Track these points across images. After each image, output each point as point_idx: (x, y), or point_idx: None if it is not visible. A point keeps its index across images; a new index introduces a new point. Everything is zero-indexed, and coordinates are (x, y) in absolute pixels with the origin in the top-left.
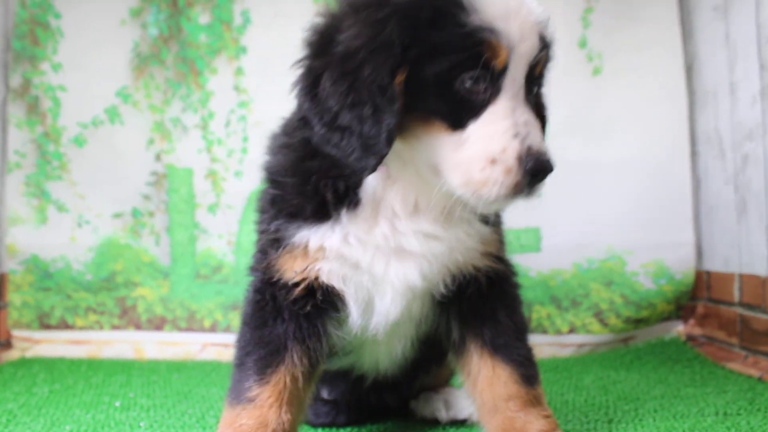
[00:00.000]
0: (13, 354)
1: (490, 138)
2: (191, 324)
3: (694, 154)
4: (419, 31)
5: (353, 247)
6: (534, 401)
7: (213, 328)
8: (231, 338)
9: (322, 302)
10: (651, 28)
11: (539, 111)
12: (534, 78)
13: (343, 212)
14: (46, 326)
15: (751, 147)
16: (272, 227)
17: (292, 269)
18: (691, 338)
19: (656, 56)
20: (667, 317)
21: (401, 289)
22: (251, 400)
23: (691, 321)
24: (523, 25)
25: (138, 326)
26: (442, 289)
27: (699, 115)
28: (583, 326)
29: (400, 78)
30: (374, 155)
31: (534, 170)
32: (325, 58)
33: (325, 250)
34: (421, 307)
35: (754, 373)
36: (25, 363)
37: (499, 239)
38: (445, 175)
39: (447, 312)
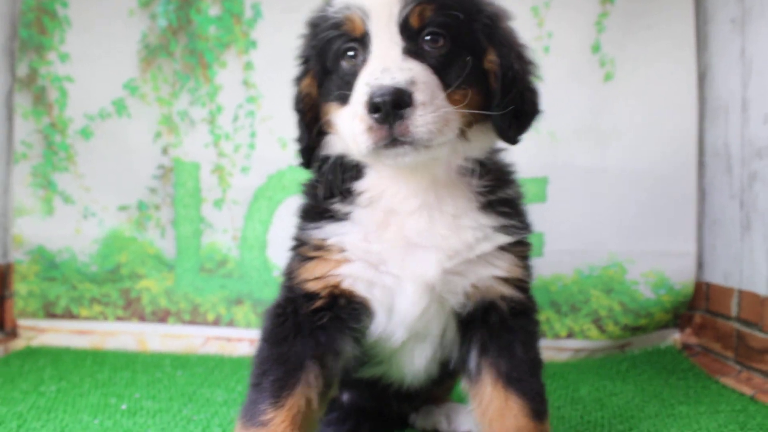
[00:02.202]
0: (19, 343)
1: (355, 97)
2: (195, 317)
3: (700, 166)
4: (314, 40)
5: (371, 244)
6: None
7: (216, 322)
8: (234, 333)
9: (342, 313)
10: (665, 36)
11: (453, 63)
12: (416, 30)
13: (355, 210)
14: (52, 315)
15: (760, 165)
16: (298, 233)
17: (313, 275)
18: (686, 347)
19: (669, 65)
20: (664, 325)
21: (420, 285)
22: (264, 424)
23: (688, 330)
24: None
25: (142, 318)
26: (463, 300)
27: (708, 127)
28: (582, 332)
29: (304, 84)
30: (301, 147)
31: (373, 106)
32: None
33: (345, 250)
34: (442, 325)
35: (747, 390)
36: (31, 354)
37: (523, 267)
38: (351, 146)
39: (469, 340)
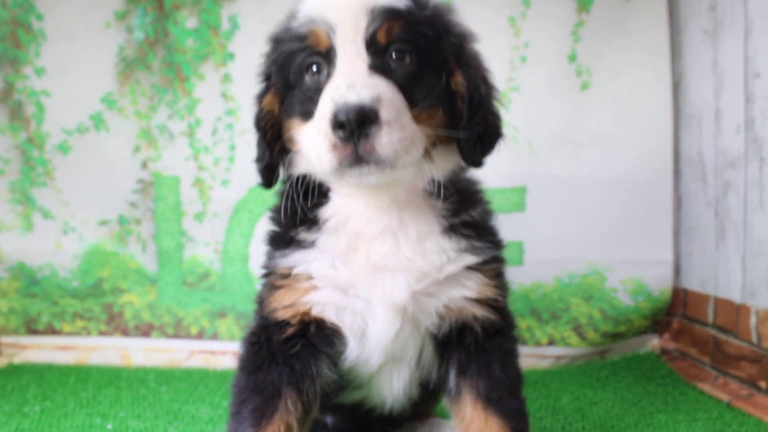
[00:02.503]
0: (2, 360)
1: (319, 113)
2: (178, 331)
3: (676, 174)
4: (275, 54)
5: (338, 270)
6: None
7: (200, 335)
8: (217, 346)
9: (315, 339)
10: (641, 46)
11: (420, 81)
12: (383, 46)
13: (321, 237)
14: (34, 331)
15: (733, 176)
16: (266, 262)
17: (282, 304)
18: (665, 352)
19: (644, 74)
20: (643, 331)
21: (390, 308)
22: None
23: (666, 335)
24: (343, 5)
25: (125, 333)
26: (436, 320)
27: (683, 136)
28: (562, 339)
29: (266, 101)
30: (261, 166)
31: (337, 123)
32: None
33: (312, 278)
34: (418, 346)
35: (724, 397)
36: (14, 371)
37: (495, 286)
38: (312, 164)
39: (447, 361)
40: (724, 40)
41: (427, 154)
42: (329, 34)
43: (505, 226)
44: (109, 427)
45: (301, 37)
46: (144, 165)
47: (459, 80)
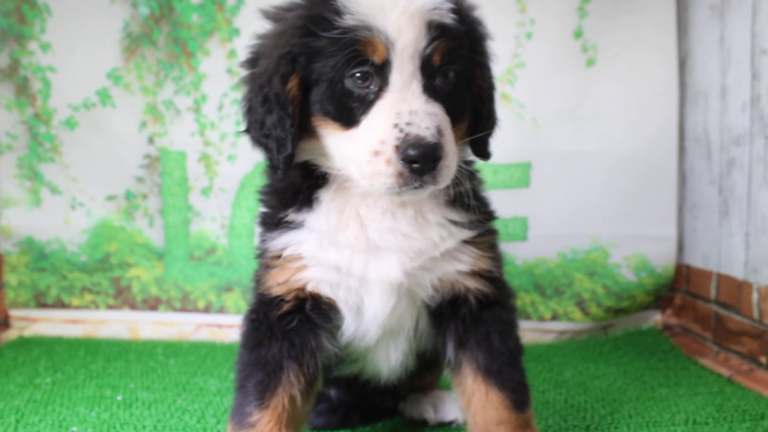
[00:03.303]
0: (12, 333)
1: (373, 130)
2: (185, 305)
3: (681, 151)
4: (307, 39)
5: (328, 250)
6: (524, 425)
7: (207, 309)
8: (224, 319)
9: (312, 314)
10: (647, 22)
11: (460, 98)
12: (436, 67)
13: (312, 218)
14: (43, 305)
15: (738, 152)
16: (259, 243)
17: (276, 281)
18: (667, 327)
19: (650, 51)
20: (645, 307)
21: (386, 286)
22: (252, 425)
23: (669, 311)
24: (400, 18)
25: (133, 306)
26: (432, 292)
27: (689, 113)
28: (565, 314)
29: (292, 84)
30: (283, 155)
31: (409, 158)
32: (252, 75)
33: (303, 258)
34: (414, 318)
35: (724, 372)
36: (24, 344)
37: (490, 257)
38: (348, 169)
39: (443, 332)
40: (732, 16)
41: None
42: (387, 47)
43: (510, 202)
44: (119, 398)
45: (352, 41)
46: (150, 140)
47: (480, 83)
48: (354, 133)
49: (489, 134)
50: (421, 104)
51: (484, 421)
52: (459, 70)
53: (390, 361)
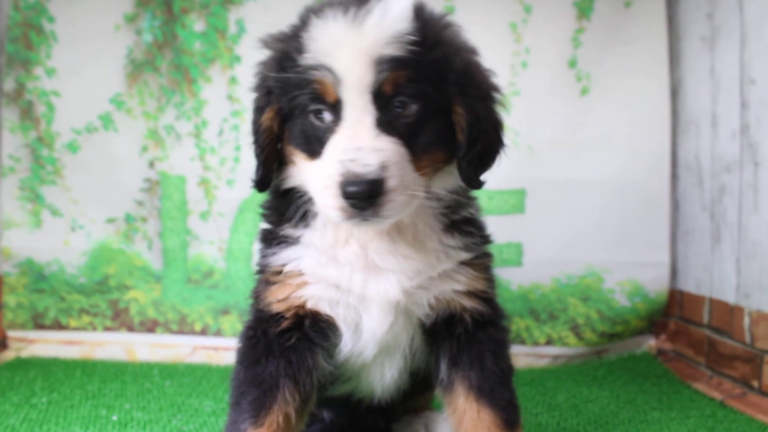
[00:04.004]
0: (9, 354)
1: (325, 164)
2: (182, 327)
3: (674, 178)
4: (279, 74)
5: (328, 267)
6: None
7: (204, 332)
8: (221, 342)
9: (310, 331)
10: (640, 52)
11: (424, 128)
12: (389, 99)
13: (309, 234)
14: (41, 326)
15: (729, 180)
16: (260, 259)
17: (276, 298)
18: (661, 353)
19: (643, 80)
20: (639, 332)
21: (384, 305)
22: None
23: (663, 336)
24: (349, 56)
25: (130, 328)
26: (428, 311)
27: (681, 141)
28: (560, 339)
29: (266, 116)
30: (257, 179)
31: (347, 194)
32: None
33: (304, 274)
34: (410, 336)
35: (717, 395)
36: (21, 365)
37: (485, 279)
38: (317, 200)
39: (437, 350)
40: (721, 47)
41: (427, 187)
42: (336, 86)
43: (505, 228)
44: (115, 418)
45: (307, 82)
46: (151, 164)
47: (459, 111)
48: (317, 164)
49: (473, 163)
50: (367, 140)
51: None
52: (424, 99)
53: (384, 379)
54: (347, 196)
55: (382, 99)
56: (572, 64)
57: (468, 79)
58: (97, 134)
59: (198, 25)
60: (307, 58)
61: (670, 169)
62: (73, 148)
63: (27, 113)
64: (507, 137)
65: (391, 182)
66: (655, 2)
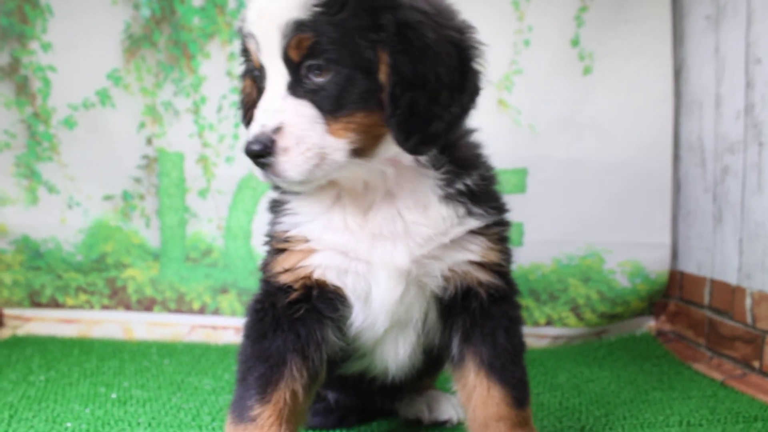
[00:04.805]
0: (5, 332)
1: None
2: (180, 306)
3: (676, 159)
4: (242, 42)
5: (336, 233)
6: (523, 422)
7: (202, 311)
8: (219, 321)
9: (319, 303)
10: (643, 31)
11: (338, 89)
12: (297, 64)
13: (317, 203)
14: (37, 304)
15: (732, 160)
16: (268, 228)
17: (283, 267)
18: (661, 334)
19: (646, 60)
20: (639, 313)
21: (392, 273)
22: (253, 420)
23: (662, 317)
24: (265, 22)
25: (128, 307)
26: (441, 282)
27: (684, 122)
28: (560, 319)
29: (247, 82)
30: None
31: (246, 153)
32: None
33: (310, 240)
34: (423, 309)
35: (718, 376)
36: (17, 343)
37: (499, 251)
38: None
39: (450, 326)
40: (726, 26)
41: (366, 150)
42: (258, 53)
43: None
44: (114, 396)
45: (245, 49)
46: (149, 141)
47: (384, 69)
48: None
49: (395, 127)
50: (273, 103)
51: (484, 417)
52: (339, 60)
53: (398, 355)
54: (247, 155)
55: (292, 64)
56: (575, 43)
57: (399, 37)
58: (94, 110)
59: None
60: (244, 27)
61: (672, 150)
62: (69, 124)
63: (22, 88)
64: (509, 116)
65: (283, 142)
66: None
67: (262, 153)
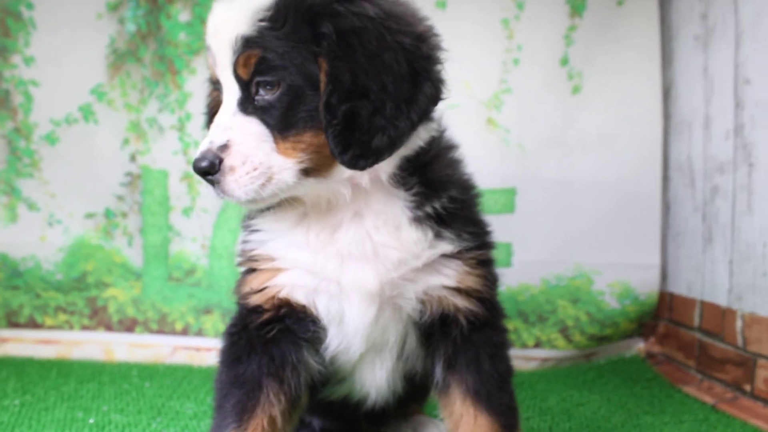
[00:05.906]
0: None
1: None
2: (162, 326)
3: (665, 179)
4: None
5: (300, 251)
6: None
7: (185, 332)
8: (202, 342)
9: (292, 325)
10: (632, 51)
11: (286, 106)
12: (246, 81)
13: (282, 220)
14: (15, 324)
15: (721, 180)
16: (239, 249)
17: (251, 288)
18: (650, 356)
19: (635, 79)
20: (629, 335)
21: (364, 295)
22: None
23: (652, 339)
24: (219, 37)
25: (108, 327)
26: (417, 305)
27: (673, 142)
28: (549, 341)
29: (214, 94)
30: None
31: (195, 171)
32: None
33: (276, 258)
34: (400, 333)
35: (709, 399)
36: None
37: (478, 276)
38: None
39: (433, 353)
40: (715, 46)
41: (318, 170)
42: (214, 67)
43: (494, 227)
44: (91, 421)
45: (208, 62)
46: (132, 158)
47: (322, 79)
48: None
49: (336, 137)
50: (222, 120)
51: None
52: (287, 76)
53: (376, 379)
54: (195, 172)
55: (241, 80)
56: (564, 62)
57: (339, 45)
58: (76, 126)
59: (183, 15)
60: (206, 41)
61: (661, 170)
62: (51, 140)
63: (3, 103)
64: (498, 135)
65: (229, 160)
66: (648, 1)
67: (208, 170)
